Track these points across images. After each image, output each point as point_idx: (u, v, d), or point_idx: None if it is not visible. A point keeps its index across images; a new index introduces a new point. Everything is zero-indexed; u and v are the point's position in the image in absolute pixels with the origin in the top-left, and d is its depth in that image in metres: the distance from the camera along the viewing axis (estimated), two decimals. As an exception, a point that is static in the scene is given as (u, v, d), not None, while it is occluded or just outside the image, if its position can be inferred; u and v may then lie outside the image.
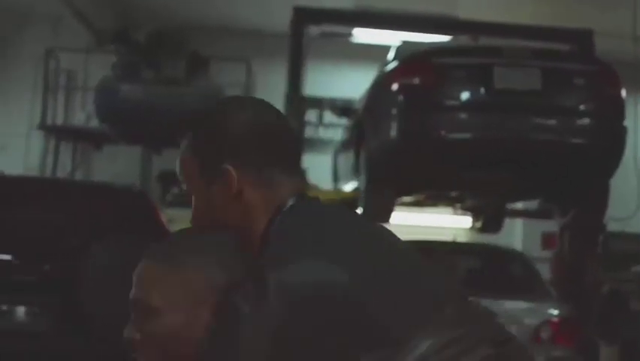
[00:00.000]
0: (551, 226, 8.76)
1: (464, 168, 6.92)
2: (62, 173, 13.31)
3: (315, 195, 1.67)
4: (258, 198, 1.57)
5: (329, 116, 10.93)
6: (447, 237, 9.82)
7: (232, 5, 13.01)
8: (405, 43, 8.46)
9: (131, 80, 12.03)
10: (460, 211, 9.68)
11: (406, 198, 8.07)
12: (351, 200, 7.73)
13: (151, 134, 12.16)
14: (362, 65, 11.02)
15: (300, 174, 1.66)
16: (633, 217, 10.88)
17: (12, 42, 13.69)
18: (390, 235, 1.62)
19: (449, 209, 9.54)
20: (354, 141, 7.95)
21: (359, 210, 7.18)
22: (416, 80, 6.75)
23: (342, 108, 9.02)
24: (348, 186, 8.65)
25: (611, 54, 8.23)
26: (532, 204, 9.83)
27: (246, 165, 1.57)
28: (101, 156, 13.70)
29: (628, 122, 7.19)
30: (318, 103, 10.37)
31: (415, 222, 10.74)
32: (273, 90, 12.99)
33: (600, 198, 7.64)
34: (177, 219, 7.96)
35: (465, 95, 6.79)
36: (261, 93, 13.90)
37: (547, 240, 10.59)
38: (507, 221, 10.32)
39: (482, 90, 6.76)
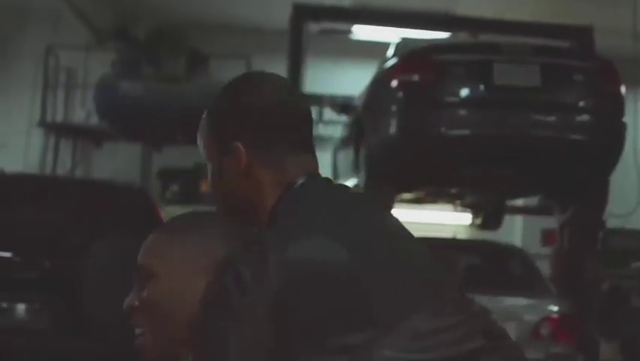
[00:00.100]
0: (551, 222, 8.76)
1: (464, 164, 6.93)
2: (62, 170, 13.31)
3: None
4: (266, 175, 1.59)
5: (329, 113, 10.93)
6: (447, 234, 9.82)
7: (232, 2, 13.01)
8: (404, 40, 8.46)
9: (130, 78, 12.04)
10: (459, 208, 9.69)
11: (406, 195, 8.07)
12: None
13: (151, 132, 12.18)
14: (362, 62, 11.01)
15: (312, 153, 1.66)
16: (633, 214, 10.89)
17: (12, 40, 13.69)
18: (396, 223, 1.63)
19: (449, 206, 9.54)
20: (354, 137, 7.95)
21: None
22: (416, 77, 6.76)
23: (342, 105, 9.01)
24: (348, 183, 8.65)
25: (611, 51, 8.23)
26: (532, 201, 9.84)
27: (256, 142, 1.60)
28: (101, 154, 13.71)
29: (627, 119, 7.19)
30: (318, 100, 10.36)
31: (414, 219, 10.75)
32: (272, 87, 12.97)
33: (600, 194, 7.64)
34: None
35: (465, 92, 6.80)
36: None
37: (547, 236, 10.58)
38: (507, 218, 10.32)
39: (482, 87, 6.76)
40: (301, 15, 8.60)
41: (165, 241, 1.60)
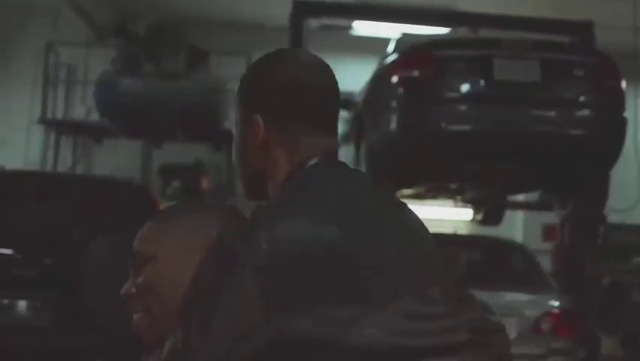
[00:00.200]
0: (552, 217, 8.76)
1: (464, 160, 6.93)
2: (63, 167, 13.30)
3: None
4: (281, 151, 1.61)
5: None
6: (447, 229, 9.83)
7: (232, -2, 13.00)
8: (405, 35, 8.46)
9: (131, 74, 12.02)
10: (460, 204, 9.69)
11: (406, 191, 8.07)
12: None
13: (151, 128, 12.16)
14: (362, 58, 11.00)
15: (332, 135, 1.67)
16: (634, 209, 10.89)
17: (12, 37, 13.68)
18: (405, 212, 1.63)
19: (450, 201, 9.54)
20: (354, 133, 7.95)
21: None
22: (416, 73, 6.75)
23: (342, 101, 8.98)
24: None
25: (611, 46, 8.22)
26: (533, 197, 9.84)
27: (274, 118, 1.62)
28: (102, 150, 13.70)
29: (628, 114, 7.19)
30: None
31: (415, 214, 10.72)
32: (273, 83, 12.96)
33: (600, 189, 7.65)
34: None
35: (465, 87, 6.79)
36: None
37: (548, 232, 10.60)
38: (508, 213, 10.32)
39: (482, 82, 6.76)
40: (301, 11, 8.58)
41: (159, 227, 1.64)
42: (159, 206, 6.81)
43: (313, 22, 9.18)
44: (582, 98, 6.95)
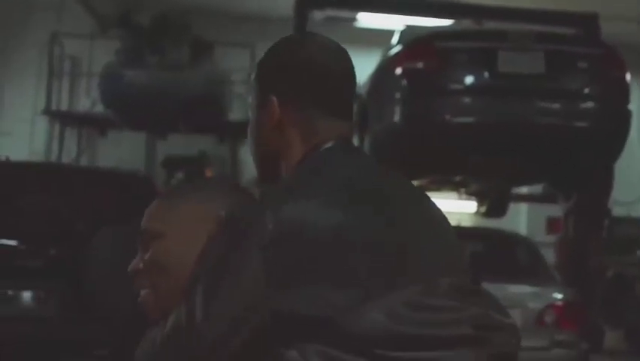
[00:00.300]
0: (556, 210, 8.76)
1: (468, 151, 6.92)
2: (67, 158, 13.32)
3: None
4: (295, 134, 1.62)
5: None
6: (451, 222, 9.80)
7: (236, -10, 12.99)
8: (409, 27, 8.45)
9: (135, 66, 12.02)
10: (464, 196, 9.68)
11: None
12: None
13: (155, 120, 12.17)
14: (366, 50, 10.95)
15: (347, 120, 1.67)
16: (638, 201, 10.88)
17: (16, 29, 13.68)
18: (421, 201, 1.63)
19: (454, 194, 9.54)
20: (359, 125, 7.94)
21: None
22: (420, 64, 6.75)
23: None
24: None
25: (616, 37, 8.21)
26: (537, 189, 9.83)
27: (290, 100, 1.62)
28: (106, 142, 13.71)
29: (632, 106, 7.18)
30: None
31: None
32: (277, 75, 12.95)
33: (605, 182, 7.64)
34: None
35: (469, 79, 6.79)
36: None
37: (552, 224, 10.60)
38: (512, 206, 10.32)
39: (486, 74, 6.75)
40: (306, 3, 8.57)
41: (166, 205, 1.66)
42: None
43: (318, 14, 9.18)
44: (586, 90, 6.94)
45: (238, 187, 1.67)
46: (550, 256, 8.44)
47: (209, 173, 12.94)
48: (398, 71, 6.89)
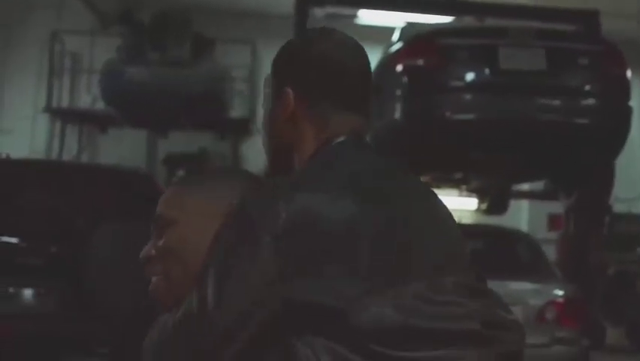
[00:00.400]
0: (557, 207, 8.75)
1: (469, 148, 6.92)
2: (68, 156, 13.33)
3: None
4: (309, 127, 1.63)
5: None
6: (453, 218, 9.80)
7: (237, -13, 12.99)
8: (409, 24, 8.44)
9: (136, 63, 12.02)
10: (465, 193, 9.68)
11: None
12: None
13: (156, 117, 12.17)
14: (367, 47, 10.91)
15: (362, 114, 1.70)
16: (639, 198, 10.88)
17: (17, 26, 13.68)
18: (430, 198, 1.65)
19: (454, 191, 9.54)
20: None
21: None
22: (421, 61, 6.74)
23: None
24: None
25: (617, 34, 8.20)
26: (539, 186, 9.82)
27: (305, 93, 1.64)
28: (107, 139, 13.72)
29: (633, 103, 7.17)
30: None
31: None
32: (278, 72, 12.96)
33: (606, 178, 7.63)
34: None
35: (470, 76, 6.78)
36: (266, 75, 13.87)
37: (553, 221, 10.59)
38: (513, 202, 10.31)
39: (487, 71, 6.75)
40: (306, 0, 8.57)
41: (182, 192, 1.65)
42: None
43: (318, 11, 9.17)
44: (587, 87, 6.93)
45: (253, 177, 1.67)
46: (551, 252, 8.44)
47: (209, 170, 12.94)
48: (399, 68, 6.89)
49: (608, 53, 7.02)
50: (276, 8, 12.01)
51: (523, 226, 12.28)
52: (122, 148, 13.18)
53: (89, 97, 13.61)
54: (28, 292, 6.05)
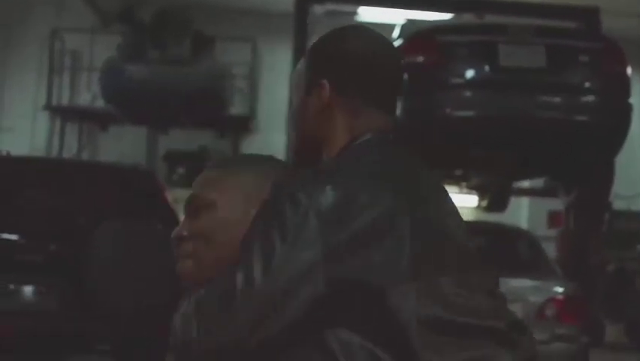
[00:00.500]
0: (558, 204, 8.76)
1: (469, 145, 6.92)
2: (68, 153, 13.33)
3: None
4: (341, 121, 1.65)
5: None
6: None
7: (237, -16, 12.98)
8: (409, 21, 8.44)
9: (136, 60, 12.02)
10: (465, 190, 9.68)
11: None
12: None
13: (156, 114, 12.17)
14: (367, 44, 10.96)
15: (391, 112, 1.72)
16: (639, 196, 10.88)
17: (17, 24, 13.68)
18: (445, 196, 1.69)
19: (455, 188, 9.54)
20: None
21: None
22: (421, 58, 6.74)
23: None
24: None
25: (617, 31, 8.20)
26: (539, 183, 9.83)
27: (341, 88, 1.66)
28: (107, 137, 13.73)
29: (633, 100, 7.17)
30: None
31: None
32: (278, 70, 13.00)
33: (606, 176, 7.63)
34: (183, 199, 7.98)
35: (470, 73, 6.78)
36: (266, 73, 13.89)
37: (553, 218, 10.59)
38: (513, 200, 10.31)
39: (487, 68, 6.75)
40: (306, -3, 8.57)
41: (221, 174, 1.65)
42: (166, 192, 6.82)
43: (318, 8, 9.17)
44: (587, 84, 6.93)
45: (286, 165, 1.68)
46: (551, 250, 8.44)
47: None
48: (399, 65, 6.88)
49: (609, 50, 7.01)
50: (276, 6, 12.01)
51: (523, 223, 12.28)
52: (123, 146, 13.18)
53: (89, 95, 13.62)
54: (28, 290, 6.05)
